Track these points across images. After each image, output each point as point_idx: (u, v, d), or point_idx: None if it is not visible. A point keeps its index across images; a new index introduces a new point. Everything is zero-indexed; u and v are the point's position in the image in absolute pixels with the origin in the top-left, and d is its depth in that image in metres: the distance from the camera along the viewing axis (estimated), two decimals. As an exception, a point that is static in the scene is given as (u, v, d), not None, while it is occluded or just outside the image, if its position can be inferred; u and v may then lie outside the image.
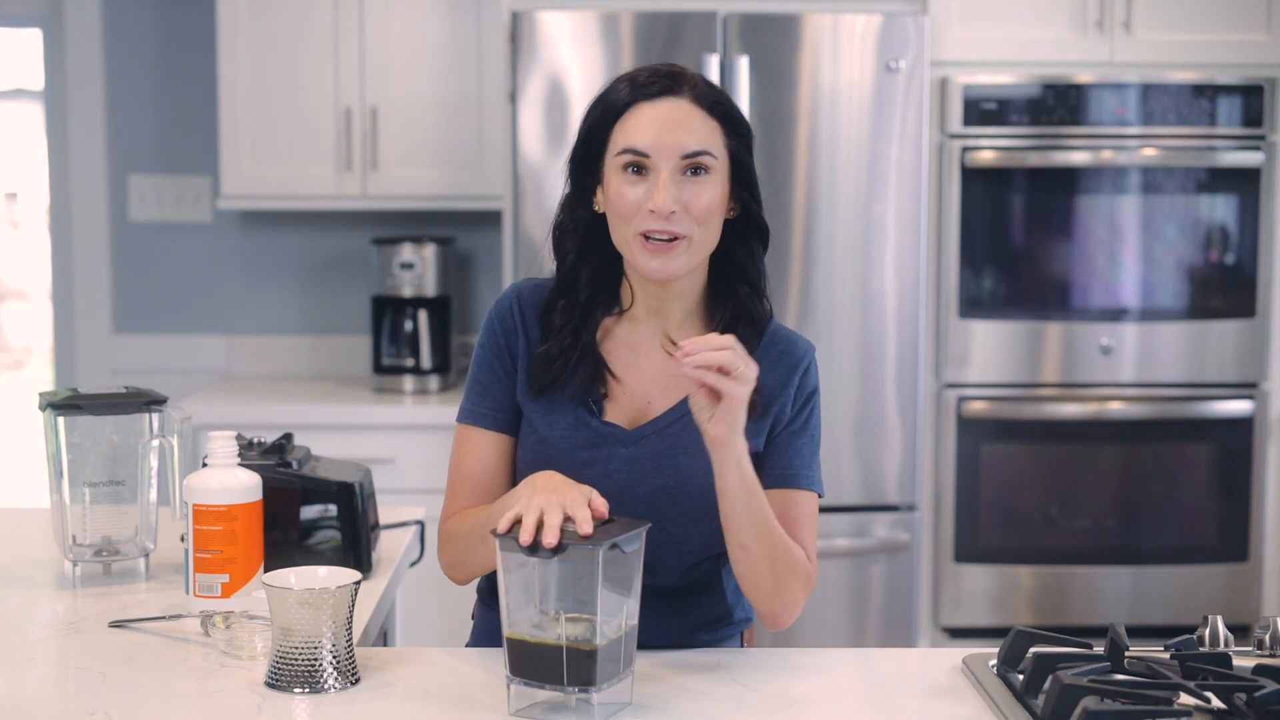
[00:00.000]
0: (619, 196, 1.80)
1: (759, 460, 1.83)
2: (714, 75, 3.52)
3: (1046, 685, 1.56)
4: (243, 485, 1.92)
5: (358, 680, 1.67)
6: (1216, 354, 3.83)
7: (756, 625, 2.05)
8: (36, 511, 2.45)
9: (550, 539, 1.53)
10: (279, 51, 3.93)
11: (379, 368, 4.03)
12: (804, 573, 1.82)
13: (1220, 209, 3.85)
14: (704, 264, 1.87)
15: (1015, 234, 3.85)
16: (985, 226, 3.79)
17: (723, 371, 1.65)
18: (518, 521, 1.57)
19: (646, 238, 1.79)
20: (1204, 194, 3.83)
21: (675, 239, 1.79)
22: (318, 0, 3.91)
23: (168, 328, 4.31)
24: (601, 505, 1.60)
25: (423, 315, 4.02)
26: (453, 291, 4.09)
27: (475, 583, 1.98)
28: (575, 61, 3.55)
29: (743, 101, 3.53)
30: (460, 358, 4.09)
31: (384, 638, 2.21)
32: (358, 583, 1.65)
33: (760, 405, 1.81)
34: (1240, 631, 1.82)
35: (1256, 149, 3.77)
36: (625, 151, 1.80)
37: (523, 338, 1.90)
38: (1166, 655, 1.68)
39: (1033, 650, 1.67)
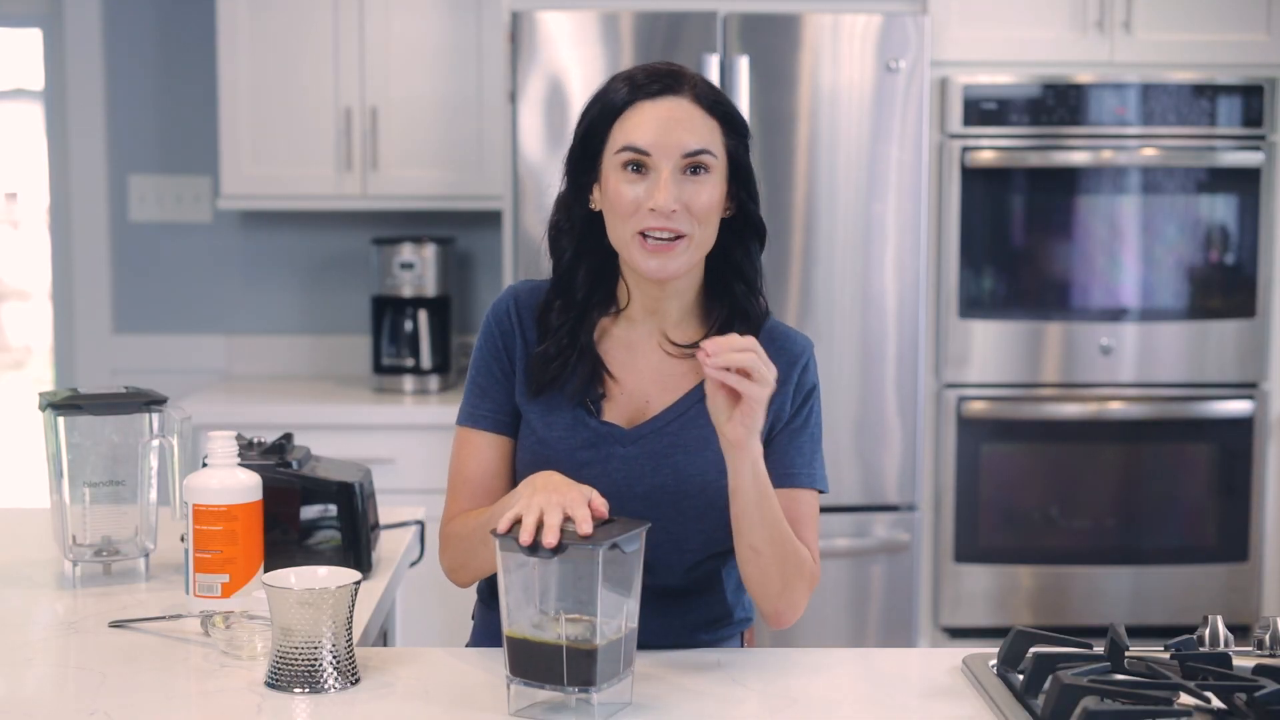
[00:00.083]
0: (618, 195, 1.80)
1: (758, 459, 1.83)
2: (714, 75, 3.52)
3: (1046, 685, 1.56)
4: (243, 485, 1.92)
5: (358, 680, 1.67)
6: (1216, 354, 3.83)
7: (757, 625, 2.05)
8: (36, 511, 2.45)
9: (550, 539, 1.53)
10: (279, 51, 3.93)
11: (379, 368, 4.03)
12: (809, 573, 1.83)
13: (1220, 209, 3.85)
14: (701, 263, 1.87)
15: (1015, 234, 3.85)
16: (985, 226, 3.79)
17: (743, 373, 1.65)
18: (518, 521, 1.57)
19: (645, 236, 1.79)
20: (1204, 194, 3.83)
21: (676, 238, 1.79)
22: (318, 0, 3.91)
23: (168, 328, 4.31)
24: (601, 505, 1.60)
25: (423, 315, 4.01)
26: (453, 291, 4.09)
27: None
28: (575, 61, 3.55)
29: (743, 101, 3.53)
30: (460, 358, 4.09)
31: (384, 638, 2.21)
32: (358, 583, 1.65)
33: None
34: (1240, 631, 1.82)
35: (1256, 149, 3.77)
36: (625, 149, 1.80)
37: (520, 339, 1.90)
38: (1166, 655, 1.68)
39: (1033, 650, 1.67)
